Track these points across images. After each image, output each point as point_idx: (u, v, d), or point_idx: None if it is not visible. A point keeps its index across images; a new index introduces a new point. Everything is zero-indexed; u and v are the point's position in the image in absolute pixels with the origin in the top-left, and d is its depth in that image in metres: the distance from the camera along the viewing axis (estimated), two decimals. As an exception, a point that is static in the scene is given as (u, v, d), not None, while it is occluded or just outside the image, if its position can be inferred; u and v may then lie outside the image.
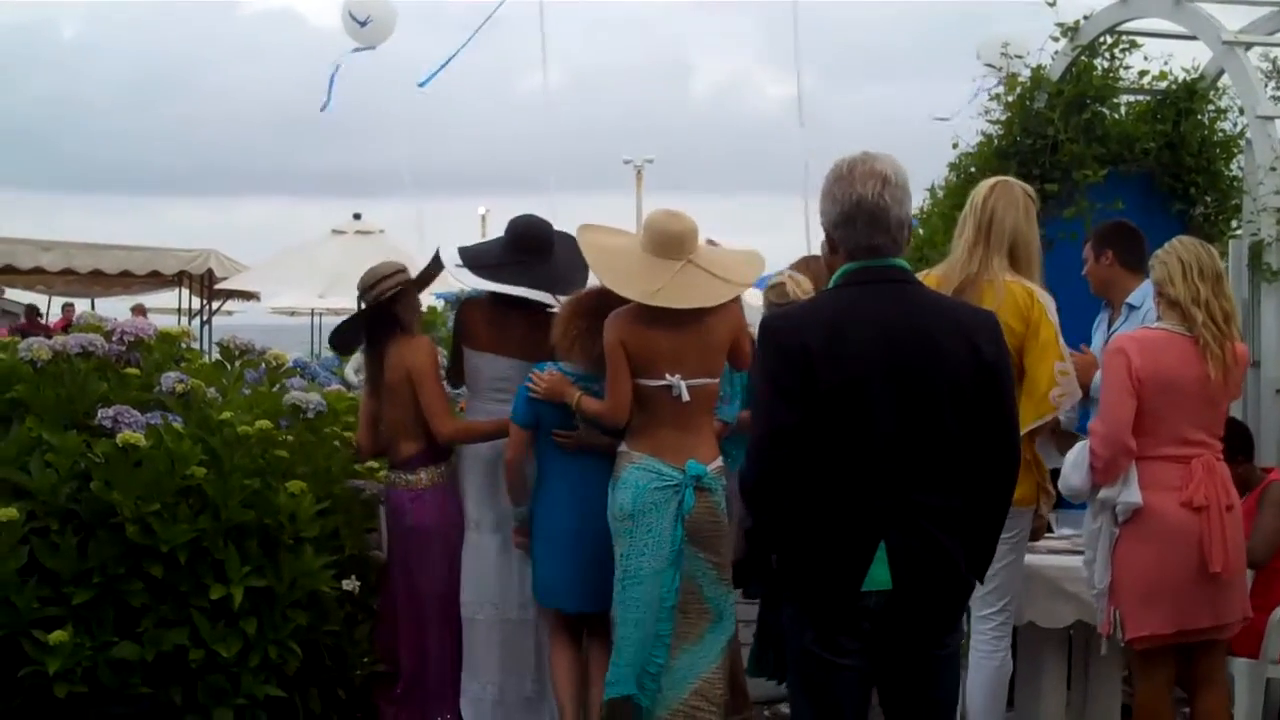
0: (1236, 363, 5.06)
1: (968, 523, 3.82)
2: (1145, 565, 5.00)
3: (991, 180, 5.56)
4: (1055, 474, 6.61)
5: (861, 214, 3.77)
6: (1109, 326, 6.53)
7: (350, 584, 6.07)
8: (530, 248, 5.94)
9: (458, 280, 5.97)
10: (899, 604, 3.74)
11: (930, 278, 5.38)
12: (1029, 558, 5.71)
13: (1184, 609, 4.97)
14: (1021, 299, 5.28)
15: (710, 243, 6.15)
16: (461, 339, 6.01)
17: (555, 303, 5.77)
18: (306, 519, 5.83)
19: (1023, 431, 5.12)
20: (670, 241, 5.49)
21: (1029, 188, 5.65)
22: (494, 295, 5.85)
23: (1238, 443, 6.39)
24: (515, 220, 6.11)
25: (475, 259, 5.96)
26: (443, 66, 14.63)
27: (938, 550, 3.76)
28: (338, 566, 6.03)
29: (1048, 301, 5.34)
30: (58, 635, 5.23)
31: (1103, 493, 5.09)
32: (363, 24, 14.90)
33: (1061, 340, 5.34)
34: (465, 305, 5.97)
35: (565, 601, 5.74)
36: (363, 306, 6.21)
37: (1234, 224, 8.90)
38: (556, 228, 6.08)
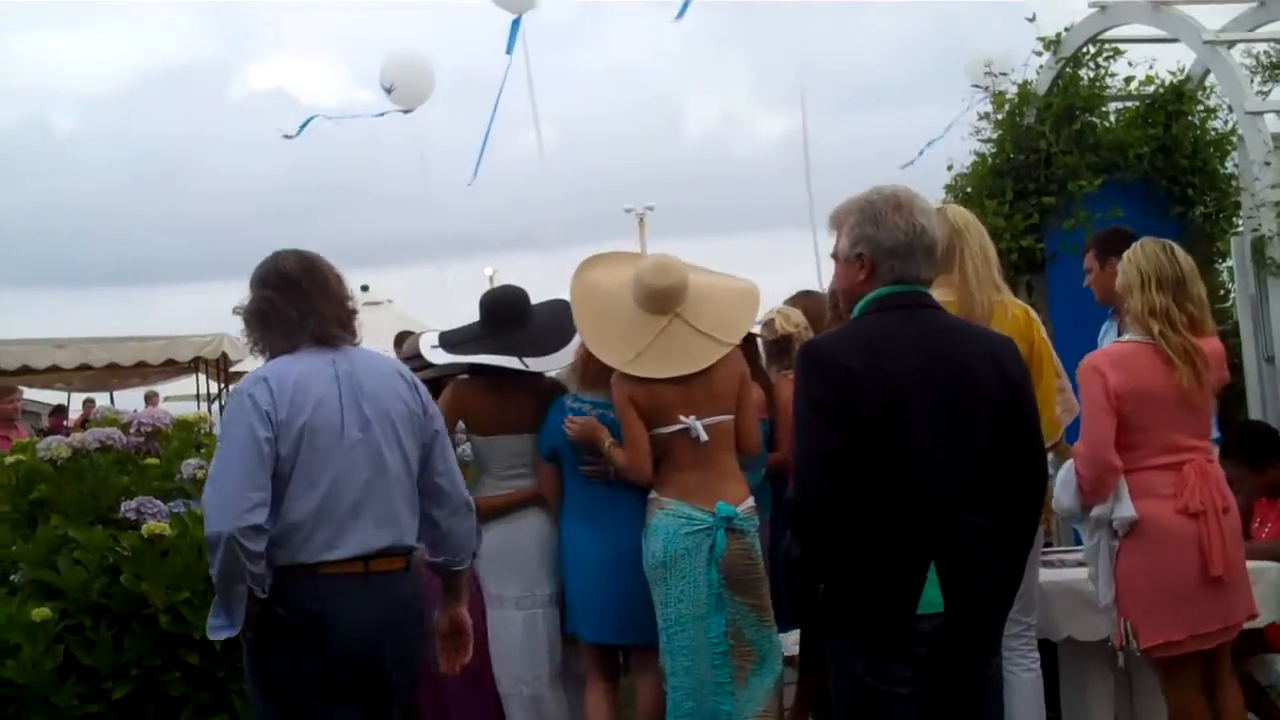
0: (1208, 364, 5.03)
1: (1001, 541, 3.85)
2: (1148, 575, 4.97)
3: (948, 207, 5.59)
4: None
5: (922, 245, 3.87)
6: (1119, 334, 6.54)
7: (386, 658, 6.06)
8: (503, 318, 5.94)
9: (433, 361, 5.95)
10: (952, 626, 3.75)
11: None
12: (1062, 573, 5.73)
13: (1192, 614, 4.93)
14: (1022, 320, 5.31)
15: None
16: (467, 426, 5.98)
17: (524, 367, 5.75)
18: (336, 595, 5.83)
19: None
20: (656, 297, 5.51)
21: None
22: (485, 375, 5.84)
23: (1267, 445, 6.37)
24: (486, 293, 6.18)
25: (451, 338, 6.00)
26: (482, 154, 14.67)
27: (983, 569, 3.79)
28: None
29: (1037, 319, 5.38)
30: (99, 731, 5.25)
31: (1095, 511, 5.06)
32: (388, 90, 14.78)
33: (1056, 356, 5.37)
34: (461, 392, 5.90)
35: (607, 633, 5.69)
36: None
37: (1235, 221, 8.91)
38: (561, 288, 6.08)
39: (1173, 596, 4.94)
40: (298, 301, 4.35)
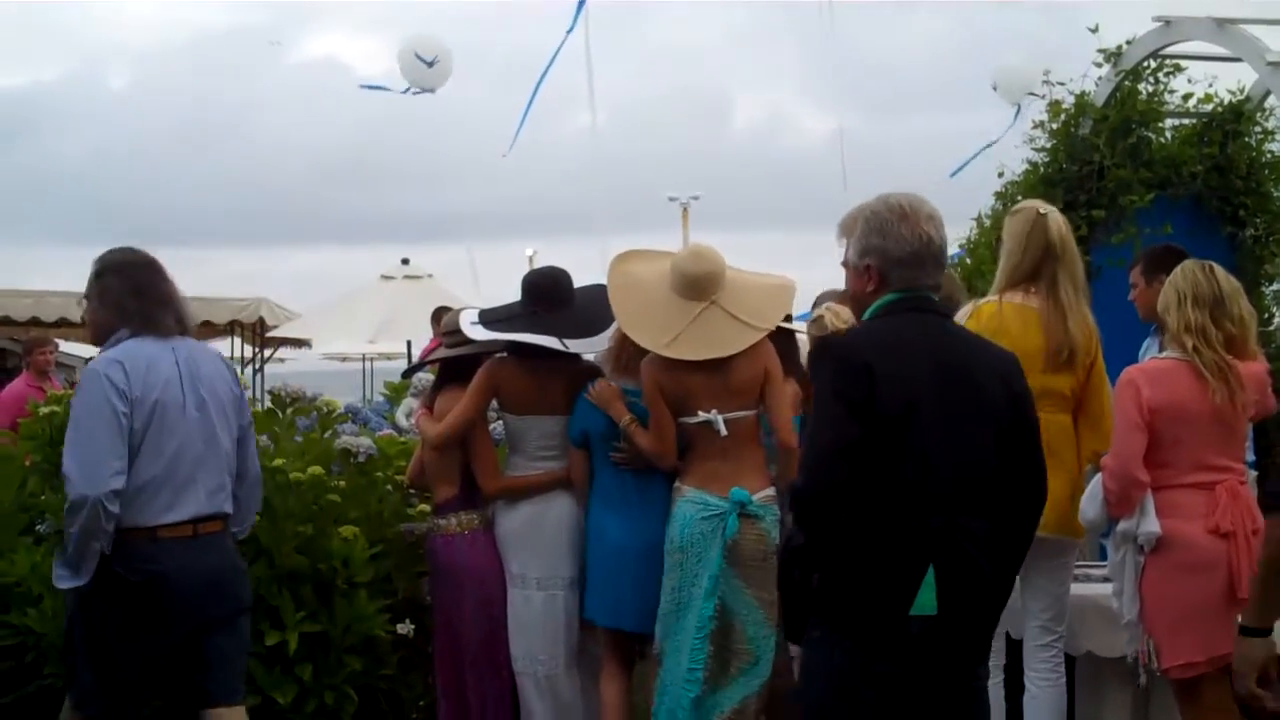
0: (1243, 385, 5.01)
1: (999, 549, 3.85)
2: (1175, 594, 4.96)
3: (1032, 206, 5.52)
4: None
5: (930, 254, 3.89)
6: (1160, 351, 6.48)
7: (405, 628, 6.08)
8: (544, 298, 5.93)
9: (473, 338, 5.93)
10: (941, 630, 3.72)
11: (1009, 306, 5.37)
12: (1086, 588, 5.70)
13: (1216, 635, 4.82)
14: (1092, 328, 5.37)
15: None
16: (501, 405, 5.98)
17: (563, 348, 5.75)
18: (359, 564, 5.86)
19: (1089, 464, 5.16)
20: (693, 283, 5.53)
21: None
22: (523, 355, 5.82)
23: None
24: (529, 274, 6.18)
25: (491, 315, 5.98)
26: (522, 125, 14.52)
27: (980, 576, 3.78)
28: (391, 610, 6.04)
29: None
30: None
31: (1121, 525, 5.07)
32: (430, 64, 14.70)
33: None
34: (497, 371, 5.86)
35: (626, 619, 5.70)
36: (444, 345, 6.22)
37: (1285, 245, 8.83)
38: (602, 272, 6.07)
39: (1198, 617, 4.91)
40: (139, 293, 4.99)
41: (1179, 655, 4.95)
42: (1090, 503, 5.17)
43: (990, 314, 5.35)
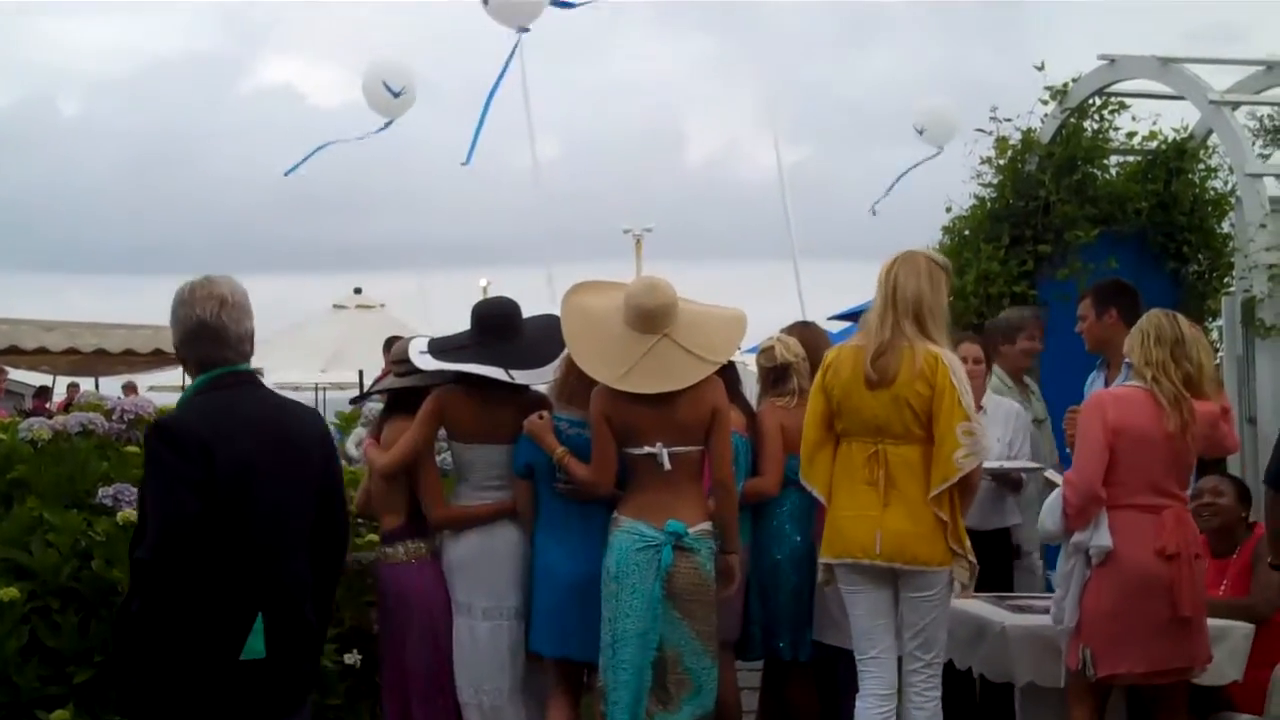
0: (1194, 419, 5.40)
1: (318, 594, 4.37)
2: (1117, 608, 5.31)
3: (896, 252, 5.68)
4: (997, 534, 6.69)
5: (206, 332, 4.22)
6: (1106, 384, 6.57)
7: (352, 658, 6.06)
8: (493, 328, 5.95)
9: (421, 367, 5.95)
10: (268, 672, 4.11)
11: (847, 347, 5.66)
12: (1028, 619, 5.79)
13: (1155, 650, 5.30)
14: (927, 363, 5.43)
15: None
16: (449, 434, 6.00)
17: (509, 379, 5.77)
18: (307, 593, 5.83)
19: (932, 493, 5.36)
20: (646, 316, 5.55)
21: (937, 256, 5.79)
22: (471, 384, 5.84)
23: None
24: (478, 303, 6.19)
25: (440, 345, 6.00)
26: (476, 138, 14.51)
27: (303, 620, 4.26)
28: (339, 640, 6.03)
29: (953, 364, 5.47)
30: (59, 715, 5.22)
31: (1076, 537, 5.42)
32: (397, 94, 14.58)
33: (968, 401, 5.44)
34: (445, 399, 5.86)
35: (572, 648, 5.71)
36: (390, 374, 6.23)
37: (1227, 281, 8.95)
38: (554, 301, 6.11)
39: (1139, 632, 5.29)
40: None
41: (1116, 666, 5.31)
42: (1049, 515, 5.55)
43: (831, 356, 5.68)
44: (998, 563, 6.79)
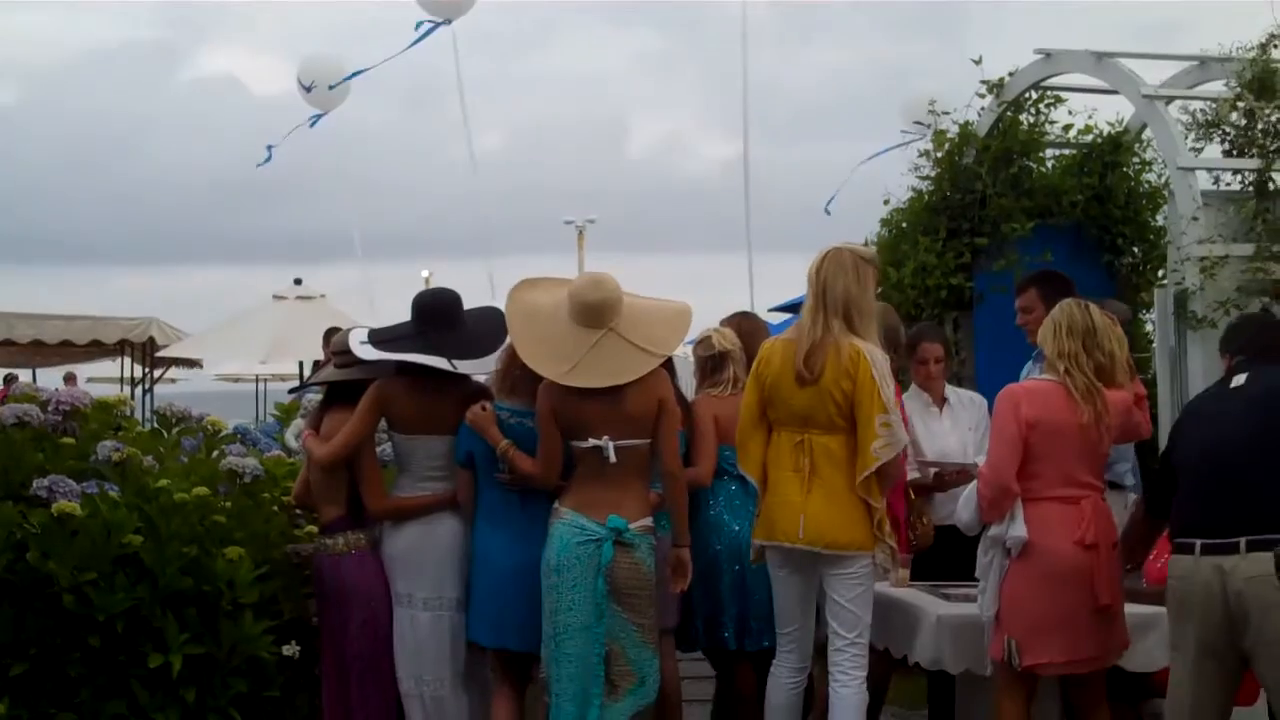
0: (1107, 409, 5.44)
1: None
2: (1038, 599, 5.35)
3: (824, 249, 5.78)
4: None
5: None
6: (1040, 374, 6.64)
7: (290, 649, 6.05)
8: (434, 319, 5.95)
9: (362, 357, 5.94)
10: None
11: (780, 341, 5.80)
12: (961, 608, 5.83)
13: (1076, 640, 5.36)
14: (850, 358, 5.57)
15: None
16: (390, 425, 5.98)
17: (452, 369, 5.77)
18: (245, 585, 5.82)
19: (858, 480, 5.52)
20: (591, 311, 5.57)
21: (864, 251, 5.88)
22: (412, 374, 5.84)
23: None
24: (419, 294, 6.18)
25: (380, 335, 6.00)
26: (350, 77, 14.67)
27: None
28: (277, 632, 6.01)
29: (874, 357, 5.58)
30: (-6, 707, 5.21)
31: (991, 530, 5.49)
32: (309, 89, 14.70)
33: (887, 394, 5.55)
34: (386, 390, 5.86)
35: (509, 639, 5.71)
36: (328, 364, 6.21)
37: (1160, 273, 9.07)
38: (494, 294, 6.12)
39: (1060, 621, 5.35)
40: None
41: (1041, 656, 5.36)
42: (965, 507, 5.60)
43: (765, 349, 5.80)
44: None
